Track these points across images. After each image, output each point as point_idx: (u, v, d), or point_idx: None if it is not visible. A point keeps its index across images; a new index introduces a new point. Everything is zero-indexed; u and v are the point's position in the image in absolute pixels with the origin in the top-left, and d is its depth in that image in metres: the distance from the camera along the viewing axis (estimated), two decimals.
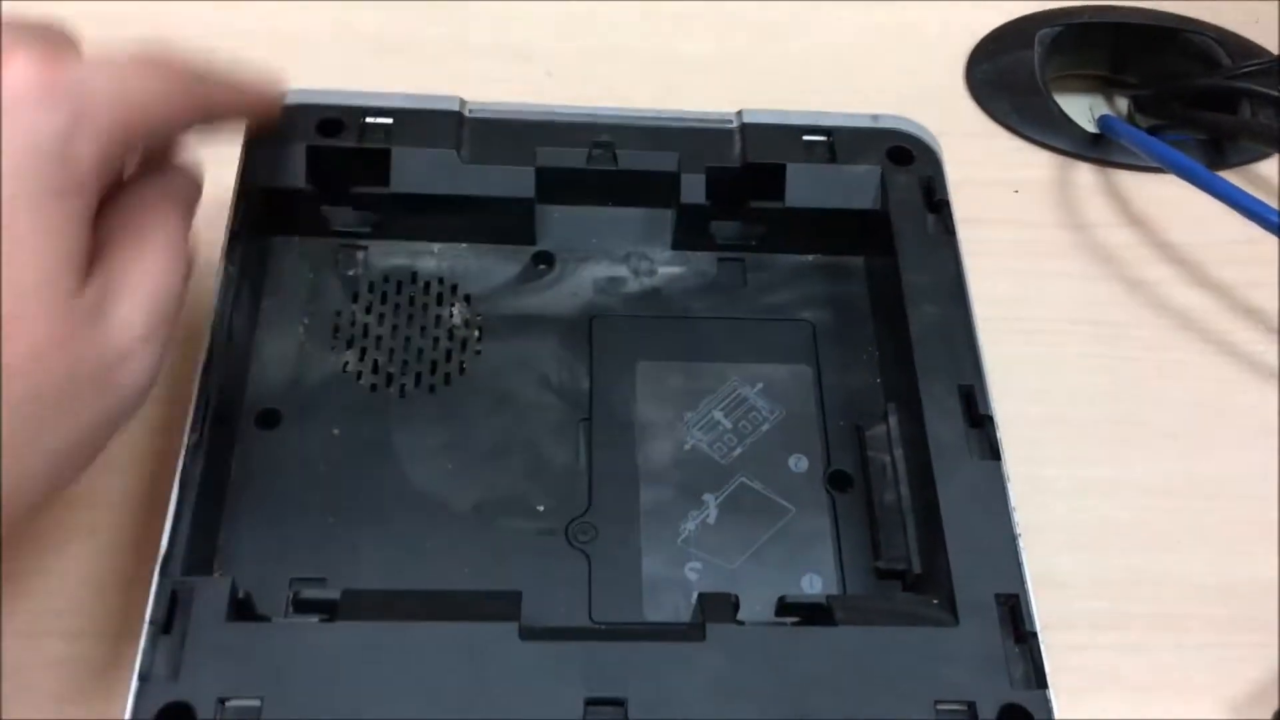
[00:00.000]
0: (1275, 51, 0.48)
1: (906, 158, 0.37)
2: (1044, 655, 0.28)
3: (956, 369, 0.33)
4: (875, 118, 0.38)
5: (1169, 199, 0.44)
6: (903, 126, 0.38)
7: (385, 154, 0.36)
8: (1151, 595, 0.36)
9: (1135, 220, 0.44)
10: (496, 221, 0.37)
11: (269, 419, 0.34)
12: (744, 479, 0.34)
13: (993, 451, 0.32)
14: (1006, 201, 0.44)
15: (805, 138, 0.37)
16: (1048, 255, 0.43)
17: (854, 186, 0.37)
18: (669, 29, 0.48)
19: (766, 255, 0.38)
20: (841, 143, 0.37)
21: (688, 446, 0.34)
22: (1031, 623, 0.29)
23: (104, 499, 0.34)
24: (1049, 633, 0.29)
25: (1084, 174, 0.45)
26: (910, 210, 0.36)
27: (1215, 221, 0.43)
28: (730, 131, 0.37)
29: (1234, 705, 0.34)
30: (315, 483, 0.33)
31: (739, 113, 0.38)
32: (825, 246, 0.38)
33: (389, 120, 0.36)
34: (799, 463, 0.34)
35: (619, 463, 0.34)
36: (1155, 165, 0.44)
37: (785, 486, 0.34)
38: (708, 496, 0.33)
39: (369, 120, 0.36)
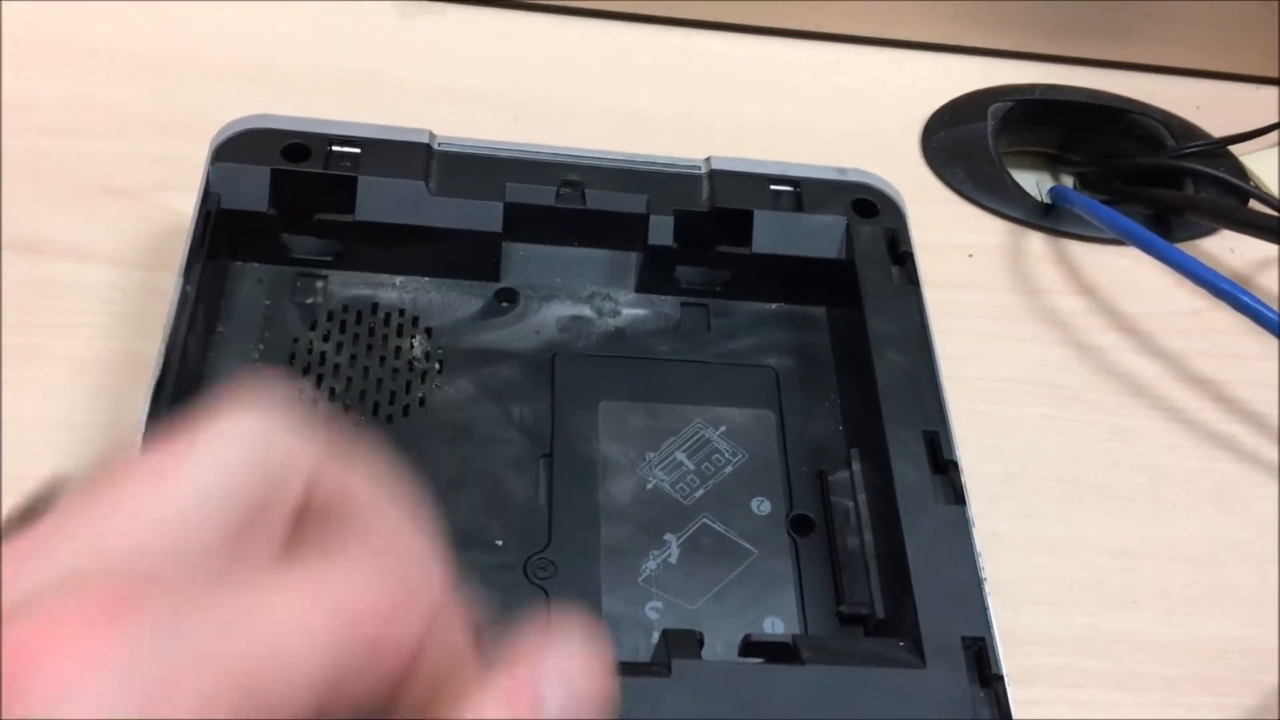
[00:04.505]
0: (1216, 135, 0.50)
1: (871, 210, 0.37)
2: (1010, 699, 0.28)
3: (922, 415, 0.33)
4: (842, 171, 0.38)
5: (1118, 269, 0.45)
6: (868, 180, 0.38)
7: (351, 182, 0.35)
8: (1107, 653, 0.35)
9: (1085, 288, 0.45)
10: (461, 256, 0.36)
11: None
12: (706, 520, 0.33)
13: (957, 497, 0.32)
14: (960, 265, 0.45)
15: (773, 187, 0.38)
16: (1000, 318, 0.43)
17: (820, 236, 0.37)
18: (636, 84, 0.48)
19: (730, 302, 0.38)
20: (808, 193, 0.37)
21: (650, 486, 0.34)
22: (998, 665, 0.29)
23: None
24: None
25: (1035, 242, 0.46)
26: (875, 260, 0.36)
27: (1163, 292, 0.44)
28: (699, 177, 0.37)
29: None
30: None
31: (707, 159, 0.38)
32: (789, 295, 0.38)
33: (356, 150, 0.36)
34: (761, 505, 0.34)
35: (580, 500, 0.33)
36: (1104, 236, 0.45)
37: (747, 529, 0.33)
38: (669, 536, 0.33)
39: (336, 149, 0.36)
